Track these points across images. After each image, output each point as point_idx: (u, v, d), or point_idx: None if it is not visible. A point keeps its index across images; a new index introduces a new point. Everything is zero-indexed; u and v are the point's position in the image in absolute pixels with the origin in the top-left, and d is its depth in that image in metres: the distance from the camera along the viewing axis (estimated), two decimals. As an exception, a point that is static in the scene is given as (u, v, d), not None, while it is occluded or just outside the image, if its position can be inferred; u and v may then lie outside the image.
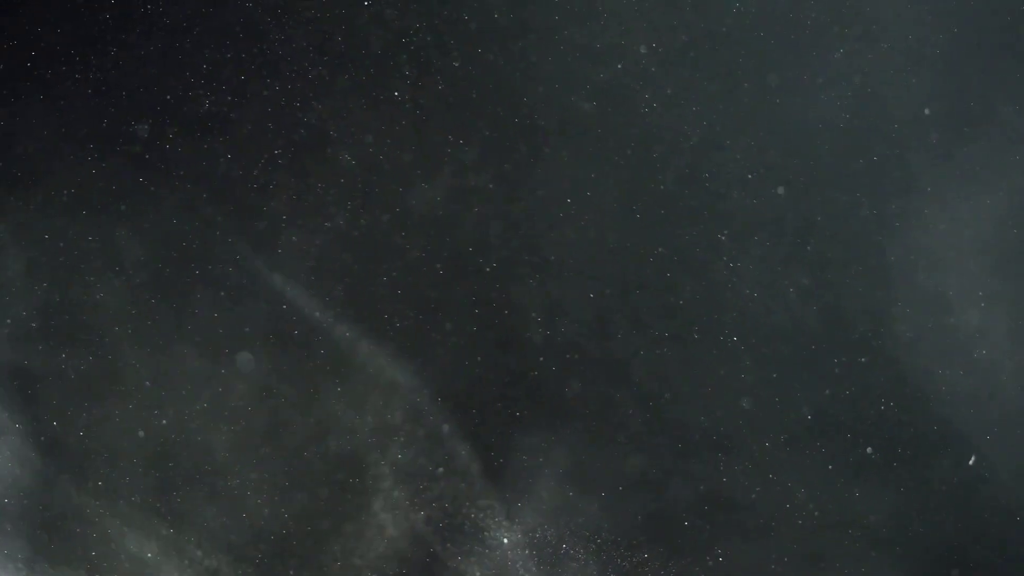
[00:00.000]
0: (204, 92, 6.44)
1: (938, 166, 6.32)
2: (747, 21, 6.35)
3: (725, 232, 6.43)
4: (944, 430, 6.36)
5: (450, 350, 6.51)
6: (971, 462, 6.31)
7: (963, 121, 6.30)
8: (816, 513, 6.42)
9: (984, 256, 6.30)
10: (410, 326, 6.50)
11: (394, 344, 6.47)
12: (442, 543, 6.49)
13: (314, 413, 6.45)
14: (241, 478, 6.40)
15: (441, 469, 6.48)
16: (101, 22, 6.46)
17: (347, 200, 6.46)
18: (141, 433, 6.36)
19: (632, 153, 6.45)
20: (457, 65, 6.44)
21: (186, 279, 6.42)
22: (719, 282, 6.45)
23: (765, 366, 6.44)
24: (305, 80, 6.45)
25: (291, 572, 6.43)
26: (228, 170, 6.45)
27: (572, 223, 6.49)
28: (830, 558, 6.45)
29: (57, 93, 6.45)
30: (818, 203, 6.40)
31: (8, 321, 6.31)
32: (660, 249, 6.45)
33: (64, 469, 6.34)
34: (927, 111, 6.30)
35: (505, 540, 6.51)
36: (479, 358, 6.52)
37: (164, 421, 6.38)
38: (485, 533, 6.51)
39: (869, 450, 6.39)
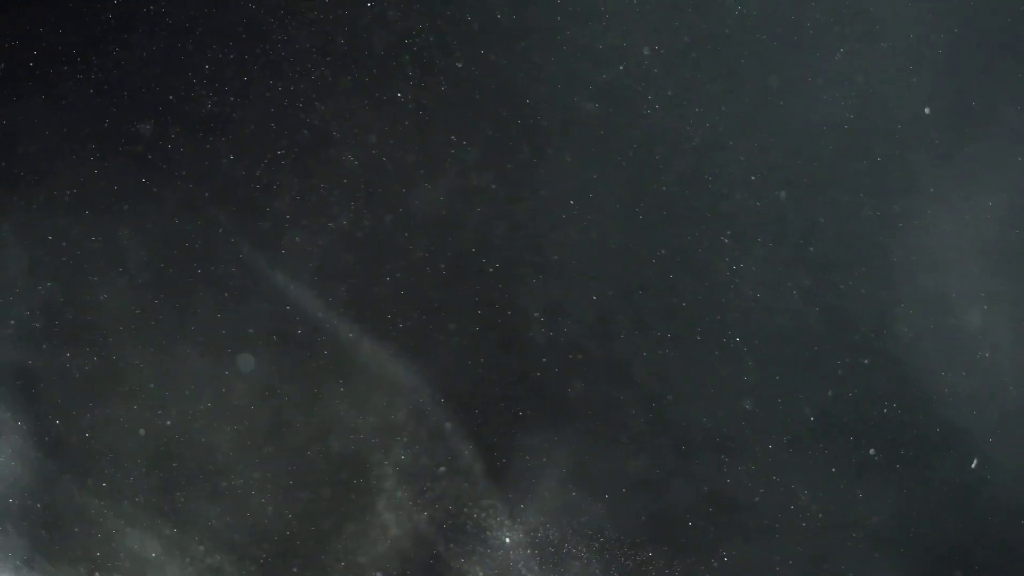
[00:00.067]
0: (207, 92, 6.44)
1: (940, 166, 6.31)
2: (749, 22, 6.35)
3: (727, 233, 6.42)
4: (947, 431, 6.34)
5: (453, 350, 6.50)
6: (974, 465, 6.30)
7: (965, 121, 6.30)
8: (819, 514, 6.41)
9: (986, 257, 6.29)
10: (413, 326, 6.50)
11: (397, 344, 6.47)
12: (445, 543, 6.48)
13: (317, 413, 6.45)
14: (244, 478, 6.39)
15: (444, 469, 6.47)
16: (103, 22, 6.47)
17: (350, 200, 6.47)
18: (144, 433, 6.36)
19: (634, 154, 6.45)
20: (460, 66, 6.44)
21: (189, 279, 6.42)
22: (721, 283, 6.44)
23: (767, 367, 6.43)
24: (308, 80, 6.46)
25: (294, 571, 6.43)
26: (231, 170, 6.45)
27: (575, 224, 6.49)
28: (833, 559, 6.44)
29: (59, 93, 6.45)
30: (820, 204, 6.40)
31: (11, 321, 6.31)
32: (662, 250, 6.45)
33: (67, 468, 6.33)
34: (928, 111, 6.30)
35: (508, 540, 6.50)
36: (482, 358, 6.52)
37: (167, 421, 6.38)
38: (488, 533, 6.50)
39: (872, 451, 6.38)
